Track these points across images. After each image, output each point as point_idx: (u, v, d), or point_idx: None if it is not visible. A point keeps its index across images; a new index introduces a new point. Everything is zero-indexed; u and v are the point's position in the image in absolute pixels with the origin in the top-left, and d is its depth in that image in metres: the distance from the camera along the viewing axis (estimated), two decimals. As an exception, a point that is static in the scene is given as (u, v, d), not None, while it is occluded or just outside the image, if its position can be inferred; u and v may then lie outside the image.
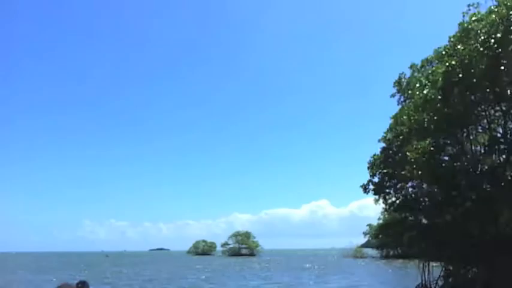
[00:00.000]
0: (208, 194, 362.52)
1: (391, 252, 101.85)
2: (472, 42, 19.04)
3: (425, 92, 22.09)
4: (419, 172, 18.85)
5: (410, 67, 31.59)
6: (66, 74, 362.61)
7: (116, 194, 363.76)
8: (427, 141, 18.90)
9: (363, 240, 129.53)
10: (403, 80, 32.02)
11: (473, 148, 24.05)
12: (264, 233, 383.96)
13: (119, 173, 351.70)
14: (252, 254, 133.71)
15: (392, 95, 33.14)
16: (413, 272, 47.38)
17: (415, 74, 31.63)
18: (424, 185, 21.21)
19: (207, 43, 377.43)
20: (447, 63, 19.14)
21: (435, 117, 20.25)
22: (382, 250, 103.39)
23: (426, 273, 29.97)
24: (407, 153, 23.24)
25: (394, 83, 32.51)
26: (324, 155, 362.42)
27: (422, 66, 30.95)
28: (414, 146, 19.04)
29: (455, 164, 20.73)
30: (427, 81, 21.38)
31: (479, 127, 24.16)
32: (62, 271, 58.47)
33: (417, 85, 22.11)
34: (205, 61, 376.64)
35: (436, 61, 30.11)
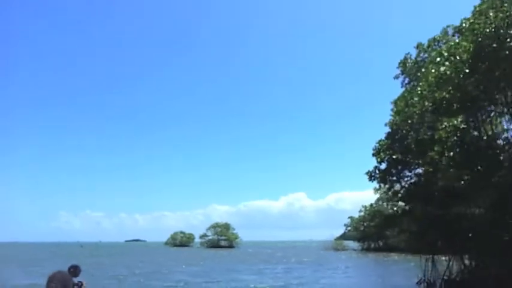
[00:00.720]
0: (185, 186, 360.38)
1: (372, 245, 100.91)
2: (505, 8, 16.82)
3: (442, 69, 19.94)
4: (451, 153, 16.60)
5: (417, 47, 29.48)
6: (55, 68, 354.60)
7: (91, 184, 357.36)
8: (459, 119, 16.64)
9: (340, 232, 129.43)
10: (409, 60, 29.96)
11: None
12: (242, 224, 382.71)
13: (94, 164, 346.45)
14: (231, 246, 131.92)
15: (396, 77, 31.07)
16: (406, 266, 45.74)
17: (422, 54, 29.66)
18: (451, 170, 19.00)
19: (198, 36, 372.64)
20: (479, 31, 16.79)
21: (458, 95, 18.03)
22: (363, 243, 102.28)
23: (430, 268, 28.06)
24: (420, 136, 21.22)
25: (399, 63, 30.40)
26: (301, 148, 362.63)
27: (429, 46, 28.90)
28: (444, 125, 16.74)
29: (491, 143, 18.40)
30: (448, 55, 19.05)
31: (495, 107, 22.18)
32: (44, 262, 55.19)
33: (437, 59, 19.77)
34: (186, 55, 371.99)
35: (444, 40, 28.20)
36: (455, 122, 16.14)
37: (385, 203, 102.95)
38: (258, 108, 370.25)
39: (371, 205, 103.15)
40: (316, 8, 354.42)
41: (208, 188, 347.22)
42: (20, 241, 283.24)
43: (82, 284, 8.72)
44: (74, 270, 8.68)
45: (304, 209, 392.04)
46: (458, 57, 18.67)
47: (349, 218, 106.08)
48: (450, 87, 18.87)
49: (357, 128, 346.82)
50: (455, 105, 18.16)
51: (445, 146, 16.07)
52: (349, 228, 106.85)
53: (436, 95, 19.15)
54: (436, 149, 17.30)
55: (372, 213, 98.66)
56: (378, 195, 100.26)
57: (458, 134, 16.06)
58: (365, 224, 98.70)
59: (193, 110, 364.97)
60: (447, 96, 18.71)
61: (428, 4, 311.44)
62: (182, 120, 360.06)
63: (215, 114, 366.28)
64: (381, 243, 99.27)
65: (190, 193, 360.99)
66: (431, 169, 19.31)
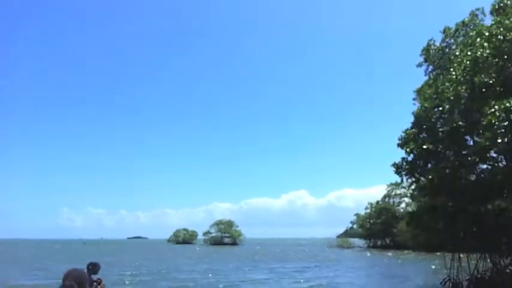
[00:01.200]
0: (187, 183, 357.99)
1: (379, 242, 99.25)
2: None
3: (479, 52, 18.29)
4: (505, 139, 14.85)
5: (443, 31, 27.76)
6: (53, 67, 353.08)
7: (92, 182, 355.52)
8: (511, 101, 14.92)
9: (342, 229, 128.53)
10: (432, 47, 28.28)
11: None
12: (244, 222, 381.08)
13: (96, 161, 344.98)
14: (234, 243, 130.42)
15: (419, 65, 29.41)
16: (423, 264, 44.07)
17: (447, 39, 27.97)
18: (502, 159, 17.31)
19: (197, 34, 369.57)
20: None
21: (501, 78, 16.33)
22: (370, 240, 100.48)
23: (455, 267, 26.39)
24: (454, 124, 19.58)
25: (422, 50, 28.70)
26: (303, 145, 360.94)
27: (457, 30, 27.21)
28: (493, 108, 14.98)
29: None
30: (489, 35, 17.32)
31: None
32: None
33: (477, 40, 18.07)
34: (186, 54, 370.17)
35: (472, 25, 26.46)
36: (507, 104, 14.35)
37: (392, 200, 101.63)
38: (261, 106, 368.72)
39: (377, 202, 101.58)
40: (316, 11, 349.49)
41: (210, 185, 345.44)
42: (22, 238, 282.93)
43: (101, 281, 8.71)
44: (93, 267, 8.92)
45: (305, 206, 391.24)
46: (501, 37, 17.00)
47: (355, 215, 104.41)
48: (492, 70, 17.21)
49: (356, 125, 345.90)
50: (498, 88, 16.52)
51: (499, 132, 14.36)
52: (354, 225, 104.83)
53: (476, 79, 17.45)
54: (486, 135, 15.53)
55: (378, 211, 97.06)
56: (385, 192, 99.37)
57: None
58: (371, 221, 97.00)
59: (194, 107, 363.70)
60: (488, 80, 17.02)
61: (428, 4, 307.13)
62: (182, 118, 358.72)
63: (215, 112, 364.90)
64: (387, 241, 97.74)
65: (193, 190, 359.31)
66: (477, 159, 17.58)
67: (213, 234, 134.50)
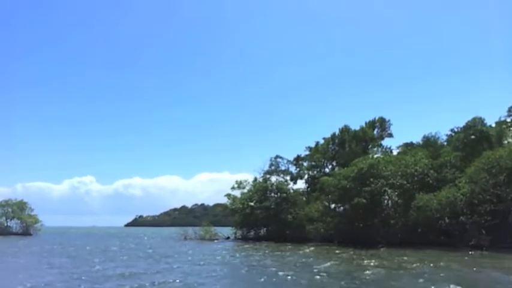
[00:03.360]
0: None
1: (252, 233, 72.88)
2: None
3: None
4: None
5: None
6: None
7: None
8: None
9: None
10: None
11: None
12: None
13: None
14: (27, 233, 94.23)
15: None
16: None
17: None
18: None
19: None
20: None
21: None
22: (246, 230, 73.15)
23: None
24: None
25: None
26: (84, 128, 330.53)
27: None
28: None
29: None
30: None
31: None
32: None
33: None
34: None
35: None
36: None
37: (276, 178, 76.29)
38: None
39: (255, 179, 75.47)
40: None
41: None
42: None
43: None
44: None
45: (90, 193, 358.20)
46: None
47: (225, 195, 75.23)
48: None
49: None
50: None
51: None
52: (232, 207, 73.97)
53: None
54: None
55: (263, 190, 70.78)
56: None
57: None
58: (253, 204, 70.08)
59: None
60: None
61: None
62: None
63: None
64: (262, 231, 71.84)
65: None
66: None
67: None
